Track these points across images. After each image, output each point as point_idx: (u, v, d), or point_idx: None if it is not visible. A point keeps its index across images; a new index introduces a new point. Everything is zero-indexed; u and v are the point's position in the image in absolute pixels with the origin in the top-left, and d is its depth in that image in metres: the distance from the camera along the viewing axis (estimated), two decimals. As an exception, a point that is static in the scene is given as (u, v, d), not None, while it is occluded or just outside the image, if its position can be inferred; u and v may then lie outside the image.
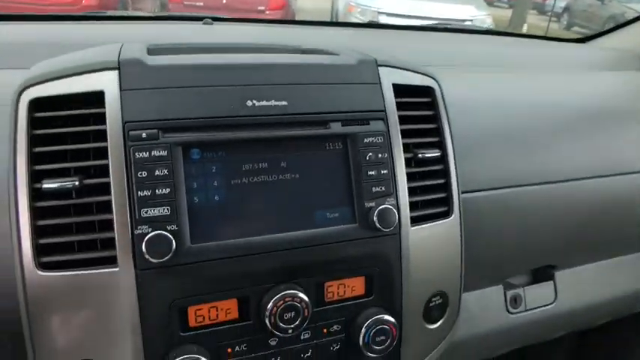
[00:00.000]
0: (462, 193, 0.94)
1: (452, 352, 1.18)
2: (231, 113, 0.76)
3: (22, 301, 0.68)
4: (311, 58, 0.89)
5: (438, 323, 0.93)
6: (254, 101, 0.77)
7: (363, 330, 0.81)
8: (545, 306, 1.26)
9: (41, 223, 0.69)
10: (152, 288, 0.71)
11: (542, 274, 1.28)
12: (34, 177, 0.70)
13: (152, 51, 0.84)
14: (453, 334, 0.97)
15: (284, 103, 0.79)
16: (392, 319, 0.82)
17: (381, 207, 0.80)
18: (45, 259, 0.69)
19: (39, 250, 0.69)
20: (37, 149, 0.71)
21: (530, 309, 1.25)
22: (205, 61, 0.80)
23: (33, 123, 0.71)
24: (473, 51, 1.51)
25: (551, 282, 1.28)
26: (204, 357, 0.72)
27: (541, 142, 1.15)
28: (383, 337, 0.82)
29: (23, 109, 0.71)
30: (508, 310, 1.22)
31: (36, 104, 0.72)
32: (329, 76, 0.83)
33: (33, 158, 0.70)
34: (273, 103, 0.78)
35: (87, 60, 0.76)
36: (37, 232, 0.69)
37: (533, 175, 1.11)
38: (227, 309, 0.76)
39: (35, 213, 0.69)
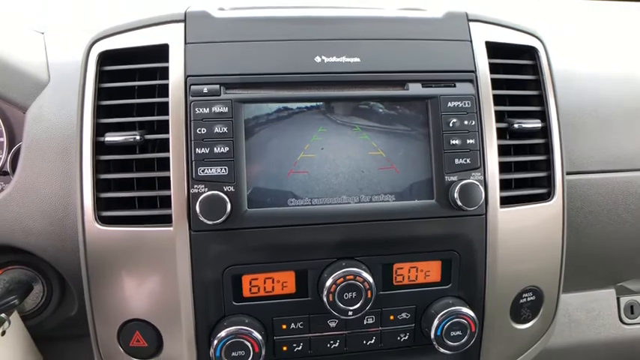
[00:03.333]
0: (568, 174, 0.79)
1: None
2: (298, 69, 0.69)
3: (82, 254, 0.68)
4: (389, 11, 0.80)
5: (529, 324, 0.79)
6: (323, 57, 0.70)
7: (436, 321, 0.71)
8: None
9: (102, 176, 0.69)
10: (206, 251, 0.67)
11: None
12: (99, 130, 0.69)
13: (223, 8, 0.80)
14: (547, 340, 0.82)
15: (356, 59, 0.71)
16: (471, 313, 0.71)
17: (464, 182, 0.69)
18: (104, 214, 0.68)
19: (99, 205, 0.68)
20: (103, 102, 0.70)
21: (652, 322, 1.04)
22: (273, 14, 0.74)
23: (100, 76, 0.71)
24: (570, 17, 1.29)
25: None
26: (257, 330, 0.67)
27: None
28: (459, 332, 0.71)
29: (92, 62, 0.71)
30: (621, 320, 1.03)
31: (104, 57, 0.71)
32: (409, 31, 0.73)
33: (98, 111, 0.70)
34: (344, 59, 0.70)
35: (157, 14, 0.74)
36: (98, 186, 0.68)
37: None
38: (284, 282, 0.70)
39: (97, 166, 0.69)
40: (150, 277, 0.68)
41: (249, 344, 0.67)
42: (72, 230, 0.74)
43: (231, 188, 0.66)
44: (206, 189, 0.66)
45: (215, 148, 0.66)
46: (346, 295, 0.68)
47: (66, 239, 0.75)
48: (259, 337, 0.67)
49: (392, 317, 0.73)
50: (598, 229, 0.90)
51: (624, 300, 1.04)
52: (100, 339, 0.71)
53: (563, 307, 1.00)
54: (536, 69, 0.78)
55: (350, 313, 0.68)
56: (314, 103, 0.70)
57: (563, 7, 1.29)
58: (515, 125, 0.75)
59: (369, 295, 0.68)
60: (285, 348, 0.72)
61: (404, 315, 0.73)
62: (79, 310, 0.83)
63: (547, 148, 0.77)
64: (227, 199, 0.65)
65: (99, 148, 0.69)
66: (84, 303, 0.72)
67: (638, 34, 1.15)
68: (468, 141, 0.71)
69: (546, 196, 0.76)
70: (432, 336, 0.71)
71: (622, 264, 1.00)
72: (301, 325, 0.71)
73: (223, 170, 0.66)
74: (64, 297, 0.85)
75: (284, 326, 0.71)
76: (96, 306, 0.70)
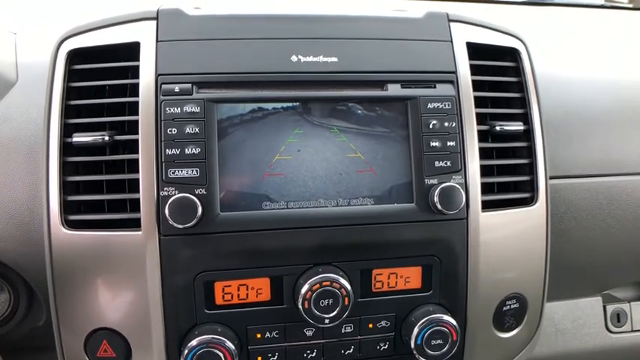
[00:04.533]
0: (552, 178, 0.78)
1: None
2: (274, 69, 0.67)
3: (47, 259, 0.65)
4: (368, 10, 0.78)
5: (513, 332, 0.77)
6: (299, 56, 0.68)
7: (416, 329, 0.68)
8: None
9: (70, 179, 0.66)
10: (176, 257, 0.64)
11: (655, 288, 1.05)
12: (67, 131, 0.67)
13: (199, 7, 0.79)
14: (532, 349, 0.80)
15: (334, 59, 0.69)
16: (452, 321, 0.69)
17: (444, 185, 0.67)
18: (71, 218, 0.65)
19: (66, 208, 0.65)
20: (72, 102, 0.67)
21: (639, 330, 1.02)
22: (248, 11, 0.72)
23: (70, 75, 0.68)
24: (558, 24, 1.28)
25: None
26: (230, 339, 0.64)
27: None
28: (440, 341, 0.69)
29: (61, 60, 0.68)
30: (608, 328, 1.02)
31: (74, 55, 0.69)
32: (388, 30, 0.71)
33: (67, 111, 0.67)
34: (321, 59, 0.69)
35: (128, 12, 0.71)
36: (65, 188, 0.66)
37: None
38: (258, 289, 0.67)
39: (65, 168, 0.66)
40: (118, 284, 0.66)
41: (221, 354, 0.64)
42: (38, 235, 0.71)
43: (203, 191, 0.63)
44: (176, 191, 0.63)
45: (186, 149, 0.64)
46: (322, 302, 0.65)
47: (32, 244, 0.72)
48: (232, 346, 0.64)
49: (371, 325, 0.70)
50: (582, 234, 0.88)
51: (610, 308, 1.02)
52: (65, 349, 0.68)
53: (549, 315, 0.98)
54: (518, 71, 0.77)
55: (327, 321, 0.65)
56: (290, 104, 0.68)
57: (548, 13, 1.28)
58: (497, 128, 0.74)
59: (347, 302, 0.65)
60: (259, 358, 0.69)
61: (383, 323, 0.71)
62: (47, 319, 0.79)
63: (530, 152, 0.75)
64: (198, 202, 0.62)
65: (67, 149, 0.66)
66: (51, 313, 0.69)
67: (623, 41, 1.15)
68: (449, 143, 0.69)
69: (529, 201, 0.75)
70: (412, 345, 0.69)
71: (607, 271, 0.98)
72: (276, 334, 0.68)
73: (194, 172, 0.64)
74: (31, 306, 0.81)
75: (259, 335, 0.68)
76: (62, 314, 0.67)
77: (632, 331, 1.02)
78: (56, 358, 0.77)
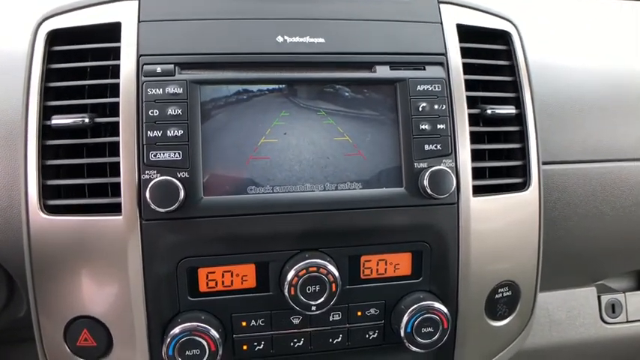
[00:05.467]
0: (545, 163, 0.76)
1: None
2: (259, 49, 0.66)
3: (25, 245, 0.63)
4: None
5: (506, 321, 0.75)
6: (285, 37, 0.66)
7: (406, 317, 0.67)
8: (654, 319, 1.02)
9: (49, 162, 0.64)
10: (158, 242, 0.62)
11: (651, 279, 1.04)
12: (46, 113, 0.65)
13: None
14: (525, 338, 0.79)
15: (321, 40, 0.67)
16: (443, 308, 0.67)
17: (434, 169, 0.65)
18: (50, 202, 0.63)
19: (45, 192, 0.63)
20: (51, 84, 0.65)
21: (634, 320, 1.01)
22: None
23: (49, 57, 0.66)
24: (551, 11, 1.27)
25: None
26: (214, 327, 0.63)
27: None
28: (431, 329, 0.67)
29: (40, 41, 0.66)
30: (603, 319, 1.00)
31: (53, 37, 0.67)
32: (377, 11, 0.70)
33: (46, 94, 0.65)
34: (307, 39, 0.67)
35: None
36: (44, 172, 0.64)
37: (635, 149, 0.89)
38: (243, 275, 0.65)
39: (44, 152, 0.64)
40: (98, 271, 0.64)
41: (204, 342, 0.62)
42: (17, 221, 0.69)
43: (186, 174, 0.62)
44: (158, 175, 0.61)
45: (168, 132, 0.62)
46: (309, 289, 0.63)
47: (10, 231, 0.70)
48: (216, 334, 0.62)
49: (359, 313, 0.69)
50: (576, 221, 0.87)
51: (605, 298, 1.01)
52: (45, 339, 0.66)
53: (543, 306, 0.97)
54: (509, 54, 0.76)
55: (313, 307, 0.64)
56: (276, 86, 0.66)
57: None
58: (489, 111, 0.72)
59: (334, 289, 0.64)
60: (245, 347, 0.67)
61: (372, 311, 0.69)
62: (28, 310, 0.77)
63: (522, 136, 0.74)
64: (180, 186, 0.60)
65: (46, 132, 0.64)
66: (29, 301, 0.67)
67: (616, 29, 1.14)
68: (439, 126, 0.67)
69: (522, 186, 0.73)
70: (402, 333, 0.67)
71: (601, 260, 0.97)
72: (262, 322, 0.67)
73: (177, 155, 0.62)
74: (11, 297, 0.79)
75: (244, 323, 0.66)
76: (41, 302, 0.65)
77: (628, 321, 1.01)
78: (36, 350, 0.75)
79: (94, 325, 0.65)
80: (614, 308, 1.01)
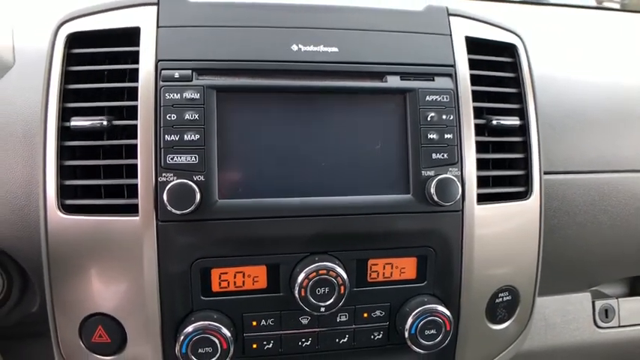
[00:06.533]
0: (546, 173, 0.79)
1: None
2: (274, 57, 0.67)
3: (43, 243, 0.65)
4: (369, 2, 0.79)
5: (505, 324, 0.78)
6: (300, 45, 0.68)
7: (410, 319, 0.69)
8: (645, 324, 1.05)
9: (67, 163, 0.66)
10: (173, 243, 0.64)
11: (643, 285, 1.07)
12: (64, 115, 0.66)
13: None
14: (523, 341, 0.81)
15: (334, 49, 0.69)
16: (446, 311, 0.69)
17: (440, 177, 0.67)
18: (68, 202, 0.65)
19: (63, 192, 0.65)
20: (70, 86, 0.67)
21: (625, 325, 1.04)
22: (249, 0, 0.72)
23: (68, 59, 0.68)
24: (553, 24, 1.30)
25: (655, 296, 1.06)
26: (225, 326, 0.65)
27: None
28: (434, 331, 0.69)
29: (60, 43, 0.68)
30: (596, 324, 1.03)
31: (73, 39, 0.68)
32: (389, 23, 0.72)
33: (65, 95, 0.67)
34: (321, 48, 0.69)
35: None
36: (62, 172, 0.65)
37: (634, 161, 0.92)
38: (255, 276, 0.67)
39: (62, 152, 0.66)
40: (114, 270, 0.65)
41: (216, 340, 0.64)
42: (34, 219, 0.71)
43: (201, 177, 0.64)
44: (175, 177, 0.63)
45: (185, 136, 0.64)
46: (319, 291, 0.65)
47: (27, 228, 0.72)
48: (228, 333, 0.65)
49: (365, 315, 0.71)
50: (575, 230, 0.90)
51: (599, 304, 1.04)
52: (60, 335, 0.68)
53: (540, 310, 0.99)
54: (515, 66, 0.78)
55: (322, 309, 0.66)
56: (290, 93, 0.68)
57: (546, 13, 1.30)
58: (494, 122, 0.74)
59: (342, 291, 0.66)
60: (255, 346, 0.69)
61: (378, 313, 0.71)
62: (41, 305, 0.79)
63: (525, 146, 0.76)
64: (196, 189, 0.62)
65: (64, 133, 0.66)
66: (46, 298, 0.68)
67: (616, 42, 1.17)
68: (446, 136, 0.70)
69: (524, 195, 0.76)
70: (406, 335, 0.70)
71: (597, 267, 1.00)
72: (272, 322, 0.69)
73: (193, 158, 0.64)
74: (25, 291, 0.81)
75: (254, 323, 0.69)
76: (57, 299, 0.67)
77: (620, 326, 1.04)
78: (50, 345, 0.77)
79: (109, 323, 0.66)
80: (607, 313, 1.04)
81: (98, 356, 0.68)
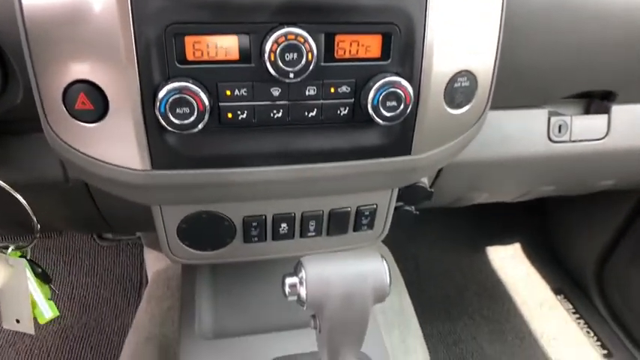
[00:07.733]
0: None
1: (483, 170, 1.10)
2: None
3: (18, 16, 0.67)
4: None
5: (462, 110, 0.84)
6: None
7: (373, 92, 0.75)
8: (593, 140, 1.14)
9: None
10: (147, 5, 0.66)
11: (597, 106, 1.14)
12: None
13: None
14: (478, 129, 0.88)
15: None
16: (407, 85, 0.75)
17: None
18: None
19: None
20: None
21: (576, 140, 1.13)
22: None
23: None
24: None
25: (606, 115, 1.14)
26: (202, 91, 0.69)
27: None
28: (394, 103, 0.75)
29: None
30: (550, 138, 1.12)
31: None
32: None
33: None
34: None
35: None
36: None
37: None
38: (227, 47, 0.71)
39: None
40: (91, 36, 0.68)
41: (193, 101, 0.69)
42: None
43: None
44: None
45: None
46: (287, 56, 0.70)
47: (4, 6, 0.73)
48: (204, 97, 0.70)
49: (332, 90, 0.76)
50: (536, 42, 0.93)
51: (554, 120, 1.11)
52: (45, 105, 0.72)
53: (496, 123, 1.06)
54: None
55: (291, 74, 0.71)
56: None
57: None
58: None
59: (310, 58, 0.70)
60: (230, 115, 0.75)
61: (344, 88, 0.76)
62: (25, 95, 0.82)
63: None
64: None
65: None
66: (29, 87, 0.72)
67: None
68: None
69: None
70: (369, 107, 0.75)
71: (555, 81, 1.05)
72: (245, 92, 0.74)
73: None
74: (6, 82, 0.83)
75: (228, 92, 0.73)
76: (39, 71, 0.70)
77: (571, 141, 1.13)
78: (33, 142, 0.81)
79: (91, 90, 0.70)
80: (560, 129, 1.12)
81: (82, 123, 0.73)
